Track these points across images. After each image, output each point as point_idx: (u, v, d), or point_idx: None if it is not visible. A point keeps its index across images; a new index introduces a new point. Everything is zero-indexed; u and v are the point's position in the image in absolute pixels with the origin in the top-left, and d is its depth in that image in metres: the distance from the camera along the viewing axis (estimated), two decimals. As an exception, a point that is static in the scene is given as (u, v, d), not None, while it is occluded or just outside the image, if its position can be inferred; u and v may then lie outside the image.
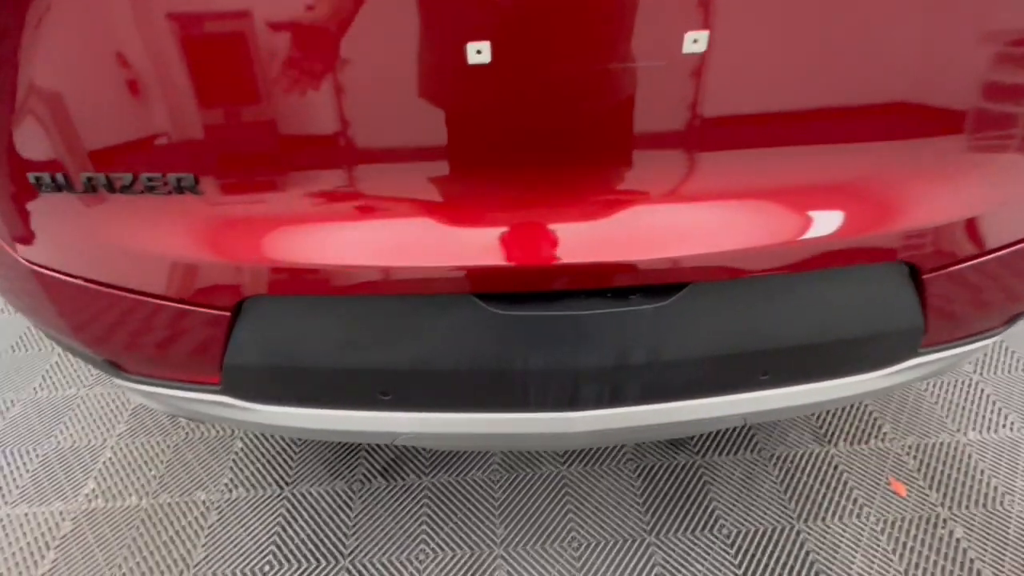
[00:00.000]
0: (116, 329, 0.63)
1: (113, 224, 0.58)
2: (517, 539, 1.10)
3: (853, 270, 0.59)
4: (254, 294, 0.58)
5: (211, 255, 0.57)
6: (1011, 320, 0.73)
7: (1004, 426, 1.27)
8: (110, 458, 1.28)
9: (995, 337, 0.76)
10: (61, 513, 1.18)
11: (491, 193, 0.56)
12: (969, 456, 1.22)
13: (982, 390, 1.35)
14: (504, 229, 0.57)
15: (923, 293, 0.62)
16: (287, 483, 1.22)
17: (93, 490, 1.22)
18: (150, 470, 1.25)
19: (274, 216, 0.57)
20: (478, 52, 0.50)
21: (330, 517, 1.16)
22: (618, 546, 1.09)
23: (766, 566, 1.06)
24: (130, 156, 0.54)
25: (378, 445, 1.28)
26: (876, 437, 1.26)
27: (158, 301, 0.60)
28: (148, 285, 0.60)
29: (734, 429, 1.28)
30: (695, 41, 0.51)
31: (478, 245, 0.56)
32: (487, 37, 0.49)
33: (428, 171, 0.56)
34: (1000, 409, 1.30)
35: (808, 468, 1.21)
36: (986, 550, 1.07)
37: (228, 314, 0.59)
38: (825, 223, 0.57)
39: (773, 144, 0.56)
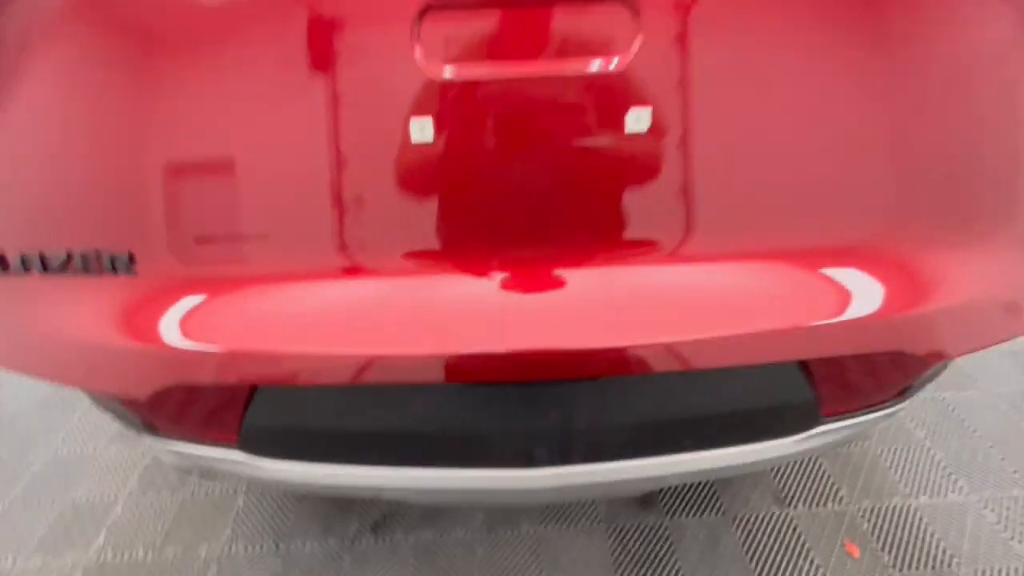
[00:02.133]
0: (159, 396, 0.77)
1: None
2: (494, 595, 1.18)
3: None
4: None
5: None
6: (901, 395, 0.85)
7: (953, 491, 1.35)
8: (121, 513, 1.38)
9: (896, 408, 0.88)
10: (73, 564, 1.27)
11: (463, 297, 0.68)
12: (920, 519, 1.30)
13: (933, 456, 1.44)
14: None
15: (810, 373, 0.75)
16: (283, 538, 1.31)
17: (104, 543, 1.31)
18: (158, 525, 1.35)
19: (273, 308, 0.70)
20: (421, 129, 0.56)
21: (321, 574, 1.24)
22: (588, 603, 1.16)
23: (727, 625, 1.13)
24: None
25: (369, 502, 1.38)
26: (834, 500, 1.35)
27: None
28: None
29: (700, 491, 1.37)
30: (638, 120, 0.56)
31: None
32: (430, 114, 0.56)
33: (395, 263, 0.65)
34: (950, 474, 1.39)
35: (769, 530, 1.29)
36: (934, 611, 1.13)
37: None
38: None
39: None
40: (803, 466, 1.43)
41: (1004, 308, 0.75)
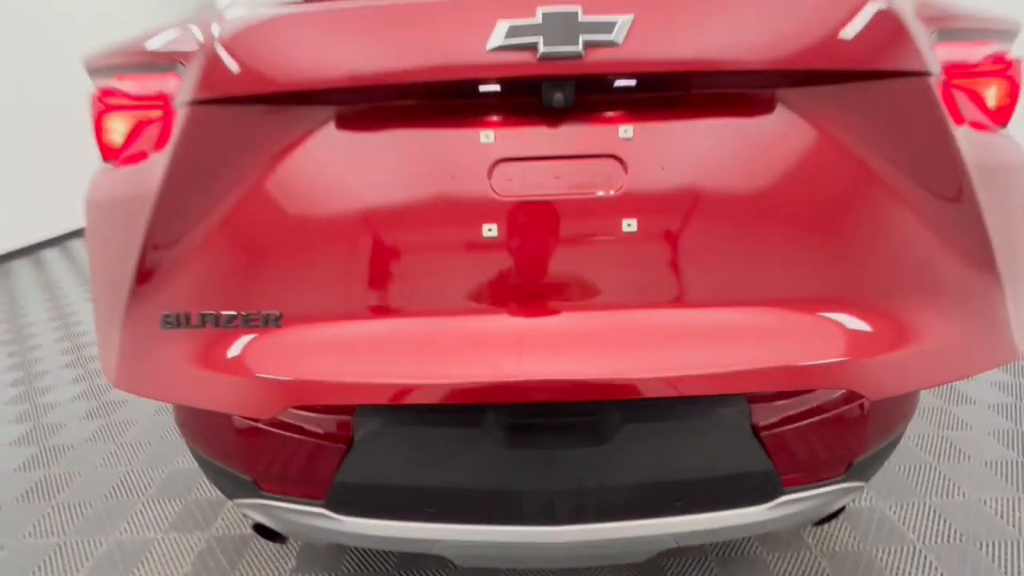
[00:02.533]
0: (267, 455, 0.99)
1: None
2: None
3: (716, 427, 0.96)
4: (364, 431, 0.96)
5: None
6: (850, 469, 1.04)
7: (946, 590, 1.45)
8: (175, 595, 1.50)
9: (856, 484, 1.07)
10: (129, 643, 1.37)
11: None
12: (917, 617, 1.38)
13: (925, 556, 1.55)
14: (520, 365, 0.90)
15: (763, 442, 0.97)
16: (323, 622, 1.42)
17: (158, 623, 1.43)
18: (208, 606, 1.46)
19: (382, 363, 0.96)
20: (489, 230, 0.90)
21: (358, 654, 1.33)
22: None
23: None
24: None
25: (402, 591, 1.49)
26: (835, 597, 1.44)
27: (302, 437, 0.98)
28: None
29: (709, 585, 1.48)
30: (628, 224, 0.88)
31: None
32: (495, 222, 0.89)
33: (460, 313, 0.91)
34: (942, 575, 1.49)
35: (775, 623, 1.38)
36: None
37: (345, 446, 0.97)
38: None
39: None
40: (805, 566, 1.54)
41: (927, 358, 0.92)
